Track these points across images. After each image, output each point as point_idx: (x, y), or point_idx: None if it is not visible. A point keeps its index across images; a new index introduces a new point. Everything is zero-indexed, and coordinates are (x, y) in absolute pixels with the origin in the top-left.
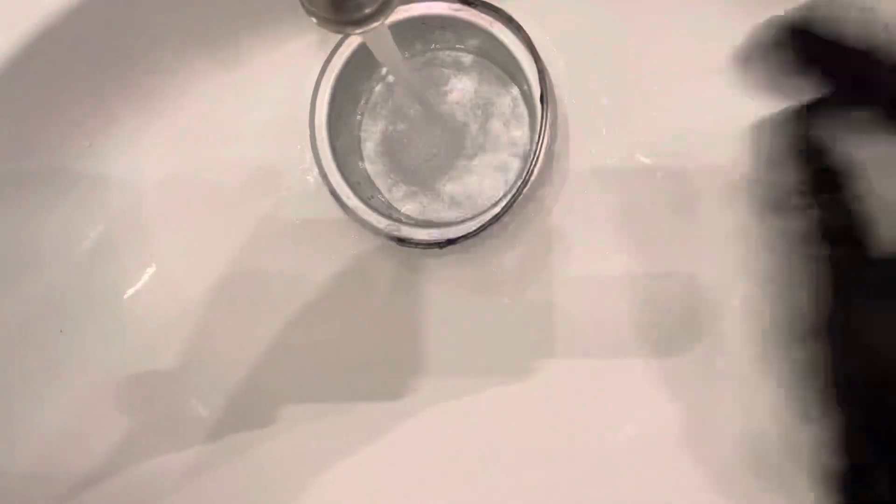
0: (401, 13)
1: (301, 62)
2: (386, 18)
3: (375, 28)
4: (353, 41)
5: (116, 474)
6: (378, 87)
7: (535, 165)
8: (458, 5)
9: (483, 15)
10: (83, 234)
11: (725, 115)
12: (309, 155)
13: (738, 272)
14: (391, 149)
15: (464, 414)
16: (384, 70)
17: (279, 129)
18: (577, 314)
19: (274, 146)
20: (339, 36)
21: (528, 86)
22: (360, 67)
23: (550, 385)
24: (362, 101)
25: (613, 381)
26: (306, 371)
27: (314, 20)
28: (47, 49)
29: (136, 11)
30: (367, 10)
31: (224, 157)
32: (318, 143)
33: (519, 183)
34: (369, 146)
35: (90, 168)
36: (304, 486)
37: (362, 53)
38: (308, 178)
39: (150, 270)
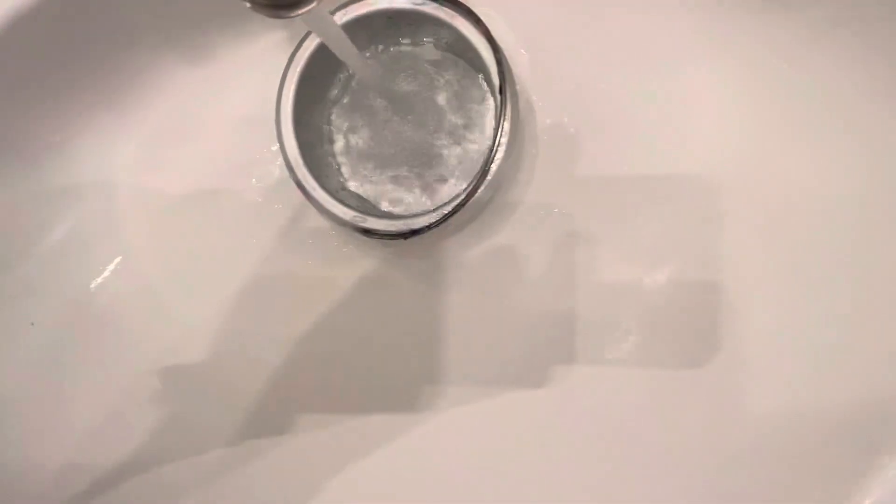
0: (364, 8)
1: (270, 58)
2: (318, 2)
3: (311, 10)
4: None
5: (83, 465)
6: (344, 80)
7: (495, 155)
8: (421, 0)
9: (445, 9)
10: (53, 228)
11: (698, 105)
12: (277, 148)
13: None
14: (358, 140)
15: (481, 414)
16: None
17: (248, 124)
18: (583, 317)
19: (243, 141)
20: (306, 29)
21: (491, 78)
22: (327, 60)
23: (563, 388)
24: (329, 94)
25: (628, 381)
26: (325, 370)
27: (247, 4)
28: (16, 42)
29: (106, 8)
30: None
31: (193, 152)
32: (284, 135)
33: (479, 174)
34: (337, 137)
35: (60, 162)
36: (323, 487)
37: (326, 48)
38: (276, 171)
39: (119, 263)
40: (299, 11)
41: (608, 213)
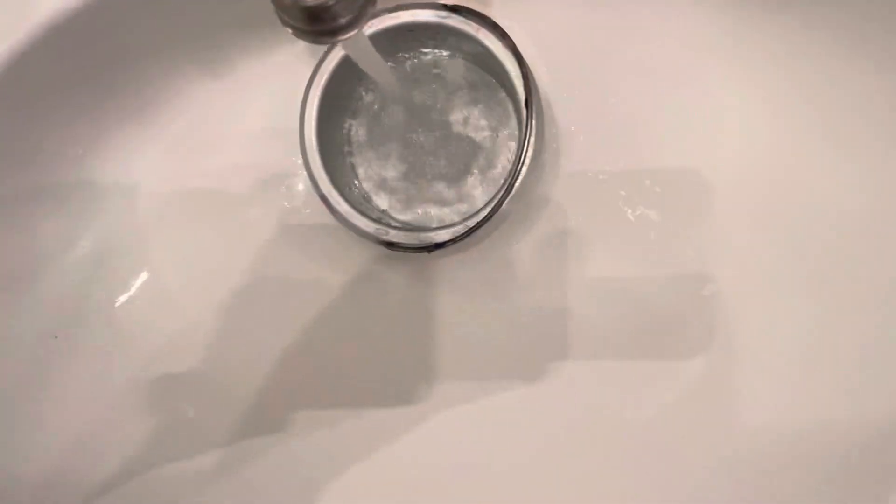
0: (388, 21)
1: (291, 70)
2: (361, 28)
3: (351, 38)
4: (341, 48)
5: (114, 480)
6: (367, 93)
7: (521, 169)
8: (445, 13)
9: (469, 22)
10: (77, 243)
11: (719, 113)
12: (299, 161)
13: (746, 274)
14: (382, 154)
15: (478, 413)
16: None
17: (270, 136)
18: (578, 315)
19: (265, 153)
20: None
21: (515, 91)
22: (350, 73)
23: (559, 386)
24: (352, 107)
25: (624, 380)
26: (322, 370)
27: (290, 31)
28: (39, 60)
29: (127, 21)
30: (342, 21)
31: (215, 165)
32: (308, 149)
33: (505, 188)
34: (360, 151)
35: (83, 177)
36: (322, 486)
37: (351, 59)
38: (299, 183)
39: (143, 277)
40: (340, 38)
41: (619, 220)
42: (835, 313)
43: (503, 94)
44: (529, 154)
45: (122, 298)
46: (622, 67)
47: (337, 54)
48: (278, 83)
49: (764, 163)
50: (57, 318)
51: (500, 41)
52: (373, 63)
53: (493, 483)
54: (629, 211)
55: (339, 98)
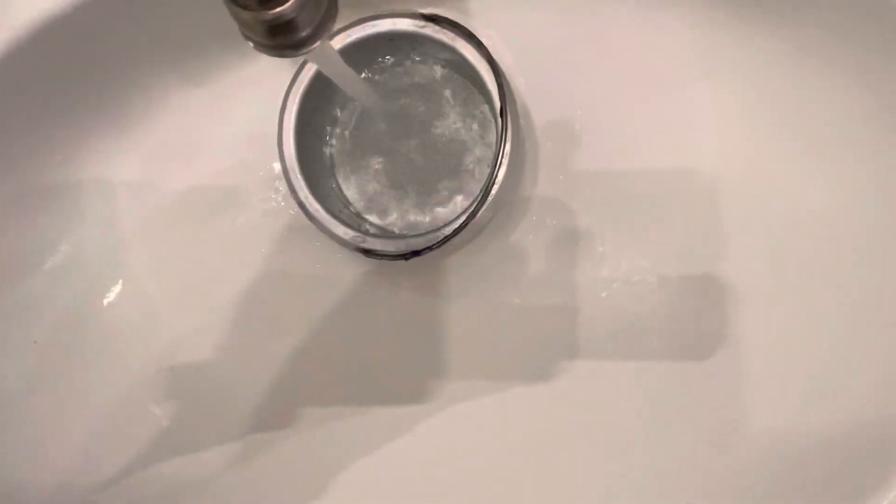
0: (367, 29)
1: (271, 76)
2: (324, 41)
3: (316, 50)
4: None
5: (80, 483)
6: (347, 102)
7: (496, 177)
8: (422, 22)
9: (446, 31)
10: (56, 247)
11: (696, 119)
12: (279, 168)
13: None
14: (361, 161)
15: (484, 411)
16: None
17: (250, 143)
18: (582, 315)
19: (245, 160)
20: None
21: (492, 99)
22: (329, 82)
23: (561, 386)
24: (331, 114)
25: (632, 380)
26: (300, 376)
27: (252, 45)
28: (18, 65)
29: (108, 27)
30: (303, 34)
31: (196, 172)
32: (286, 157)
33: (480, 196)
34: (339, 159)
35: (63, 182)
36: (327, 482)
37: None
38: (278, 190)
39: (122, 282)
40: (302, 51)
41: (609, 223)
42: (836, 316)
43: (481, 102)
44: (505, 162)
45: (104, 303)
46: (600, 76)
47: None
48: (258, 90)
49: (741, 167)
50: (38, 324)
51: (477, 50)
52: (343, 75)
53: (497, 481)
54: (607, 214)
55: (318, 106)
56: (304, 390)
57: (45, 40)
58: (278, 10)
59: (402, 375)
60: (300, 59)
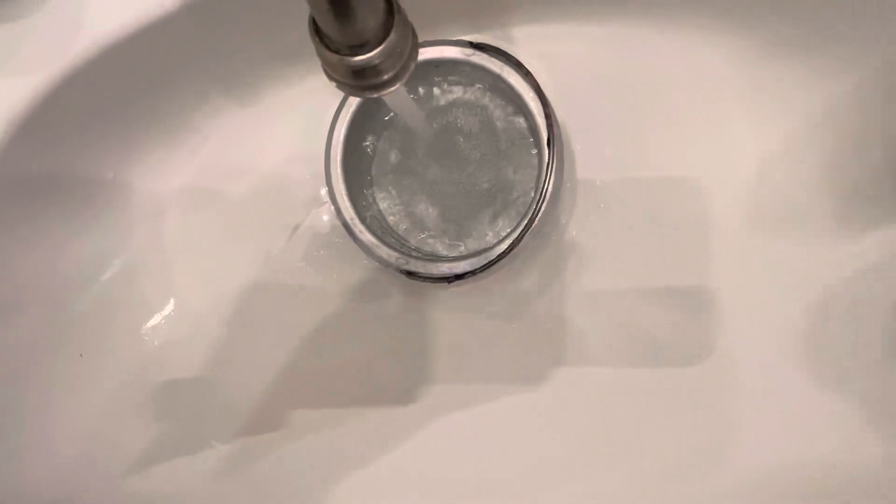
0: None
1: (317, 99)
2: (403, 83)
3: (393, 91)
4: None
5: (130, 496)
6: (393, 125)
7: (541, 205)
8: (470, 50)
9: (494, 59)
10: (106, 262)
11: (731, 146)
12: (324, 189)
13: (749, 290)
14: (406, 185)
15: (475, 418)
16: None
17: (296, 163)
18: (576, 328)
19: (290, 180)
20: None
21: (537, 127)
22: (377, 107)
23: (555, 397)
24: (378, 139)
25: (621, 389)
26: (320, 395)
27: (335, 85)
28: (77, 86)
29: (159, 50)
30: (385, 77)
31: (242, 190)
32: (333, 178)
33: (525, 222)
34: (384, 181)
35: (114, 199)
36: (320, 486)
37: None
38: (323, 211)
39: (170, 299)
40: (383, 93)
41: (637, 247)
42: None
43: (525, 129)
44: (549, 191)
45: (149, 319)
46: (637, 105)
47: None
48: (304, 111)
49: (774, 194)
50: (86, 337)
51: (525, 80)
52: (409, 111)
53: (488, 488)
54: (638, 245)
55: (364, 130)
56: (310, 399)
57: (105, 63)
58: (366, 56)
59: (399, 385)
60: None
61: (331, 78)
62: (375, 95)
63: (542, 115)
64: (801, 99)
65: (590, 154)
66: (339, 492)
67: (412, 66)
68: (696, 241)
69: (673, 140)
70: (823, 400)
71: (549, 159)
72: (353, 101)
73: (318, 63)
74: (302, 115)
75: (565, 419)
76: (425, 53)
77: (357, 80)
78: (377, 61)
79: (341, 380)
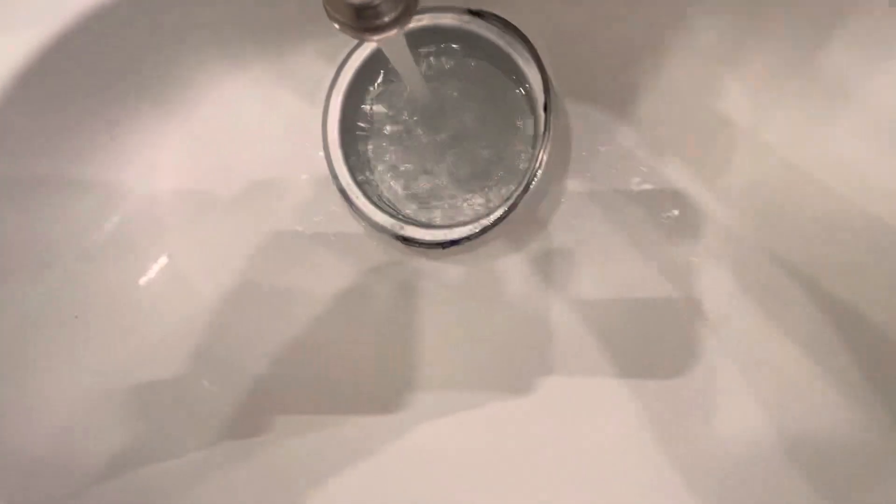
0: (411, 23)
1: (314, 65)
2: (403, 28)
3: (392, 36)
4: (366, 48)
5: (122, 467)
6: (390, 92)
7: (537, 171)
8: (468, 17)
9: (492, 27)
10: (100, 226)
11: (728, 127)
12: (320, 155)
13: (731, 292)
14: (401, 152)
15: (461, 423)
16: (394, 76)
17: (292, 131)
18: (574, 325)
19: (286, 148)
20: (353, 42)
21: (534, 95)
22: (372, 74)
23: (547, 395)
24: (373, 105)
25: (607, 393)
26: (309, 374)
27: (336, 25)
28: (72, 48)
29: (156, 13)
30: (386, 19)
31: (237, 158)
32: (330, 143)
33: (521, 189)
34: (380, 148)
35: (110, 162)
36: (306, 493)
37: (374, 60)
38: (318, 178)
39: (163, 263)
40: (384, 35)
41: (614, 234)
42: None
43: (521, 97)
44: (545, 159)
45: (143, 282)
46: (634, 77)
47: (362, 53)
48: (301, 80)
49: (770, 180)
50: (80, 299)
51: (525, 49)
52: (406, 65)
53: (472, 491)
54: (625, 224)
55: (362, 94)
56: (292, 395)
57: (100, 24)
58: None
59: (385, 384)
60: (344, 51)
61: (332, 18)
62: (376, 38)
63: (541, 84)
64: (794, 65)
65: (589, 128)
66: (323, 489)
67: (413, 10)
68: (683, 228)
69: (670, 111)
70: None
71: (545, 126)
72: (351, 69)
73: (315, 30)
74: (301, 82)
75: (551, 412)
76: (420, 20)
77: (358, 22)
78: (377, 1)
79: (332, 357)
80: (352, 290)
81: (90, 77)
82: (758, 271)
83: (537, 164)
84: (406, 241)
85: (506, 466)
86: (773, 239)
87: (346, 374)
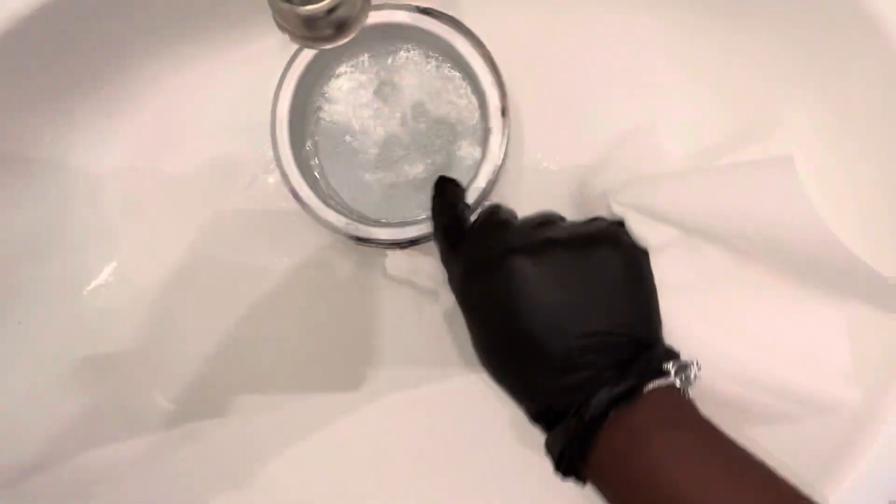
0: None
1: (262, 61)
2: (354, 34)
3: (341, 44)
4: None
5: (68, 461)
6: (339, 88)
7: (495, 175)
8: (418, 15)
9: (443, 25)
10: (44, 227)
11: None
12: (269, 152)
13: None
14: (352, 151)
15: (414, 404)
16: (343, 71)
17: (240, 126)
18: None
19: (234, 143)
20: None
21: (485, 95)
22: (322, 70)
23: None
24: (322, 103)
25: None
26: (263, 363)
27: (288, 37)
28: (9, 45)
29: (97, 12)
30: (336, 28)
31: (185, 153)
32: (279, 142)
33: (483, 186)
34: (331, 147)
35: (51, 161)
36: (257, 473)
37: (324, 57)
38: (268, 175)
39: (111, 263)
40: (336, 44)
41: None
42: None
43: (472, 95)
44: (502, 160)
45: (90, 283)
46: (580, 68)
47: (310, 54)
48: (249, 74)
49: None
50: (23, 305)
51: (475, 48)
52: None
53: (428, 466)
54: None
55: (313, 92)
56: (250, 375)
57: (40, 21)
58: (315, 6)
59: (340, 364)
60: (289, 47)
61: (282, 28)
62: (328, 47)
63: (493, 83)
64: (733, 62)
65: (534, 119)
66: (276, 468)
67: (364, 18)
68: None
69: (615, 106)
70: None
71: (504, 128)
72: (300, 65)
73: (260, 26)
74: (248, 76)
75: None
76: (374, 17)
77: (308, 31)
78: (328, 9)
79: (285, 347)
80: (307, 276)
81: (26, 77)
82: None
83: (498, 166)
84: (361, 241)
85: (459, 440)
86: None
87: (302, 356)
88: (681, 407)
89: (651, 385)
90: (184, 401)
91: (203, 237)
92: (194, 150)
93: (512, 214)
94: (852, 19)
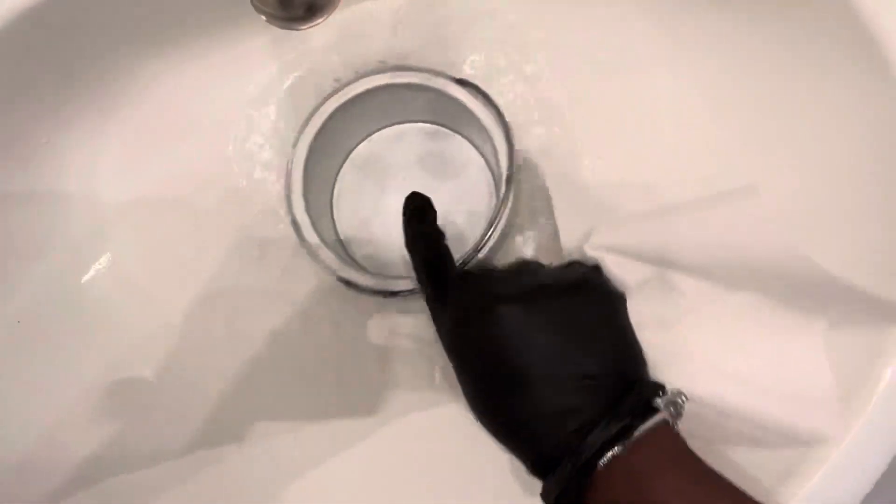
0: (368, 83)
1: (257, 62)
2: (330, 14)
3: (319, 24)
4: (337, 101)
5: (68, 460)
6: (357, 147)
7: (489, 238)
8: (452, 83)
9: (465, 90)
10: (40, 228)
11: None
12: (264, 154)
13: None
14: (363, 203)
15: (434, 427)
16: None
17: (234, 128)
18: None
19: (226, 147)
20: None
21: (497, 160)
22: (346, 121)
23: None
24: (343, 156)
25: None
26: (255, 385)
27: (263, 18)
28: (5, 44)
29: (92, 11)
30: (311, 7)
31: (179, 155)
32: (293, 182)
33: (470, 252)
34: (340, 192)
35: (47, 163)
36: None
37: (344, 115)
38: (259, 178)
39: (106, 263)
40: (313, 24)
41: None
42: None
43: (481, 161)
44: (501, 224)
45: (85, 283)
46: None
47: (338, 100)
48: (242, 75)
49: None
50: (22, 303)
51: (495, 117)
52: None
53: (450, 489)
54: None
55: (331, 143)
56: (262, 400)
57: (34, 23)
58: None
59: (353, 390)
60: (284, 45)
61: (258, 10)
62: (305, 27)
63: (506, 153)
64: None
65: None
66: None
67: (336, 1)
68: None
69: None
70: None
71: (505, 194)
72: (325, 111)
73: (257, 24)
74: (242, 77)
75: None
76: (376, 81)
77: (284, 11)
78: None
79: (276, 366)
80: (319, 298)
81: (22, 80)
82: None
83: (491, 231)
84: (349, 284)
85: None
86: None
87: (317, 380)
88: (675, 445)
89: (645, 425)
90: (187, 401)
91: (203, 236)
92: (190, 151)
93: (490, 263)
94: None
